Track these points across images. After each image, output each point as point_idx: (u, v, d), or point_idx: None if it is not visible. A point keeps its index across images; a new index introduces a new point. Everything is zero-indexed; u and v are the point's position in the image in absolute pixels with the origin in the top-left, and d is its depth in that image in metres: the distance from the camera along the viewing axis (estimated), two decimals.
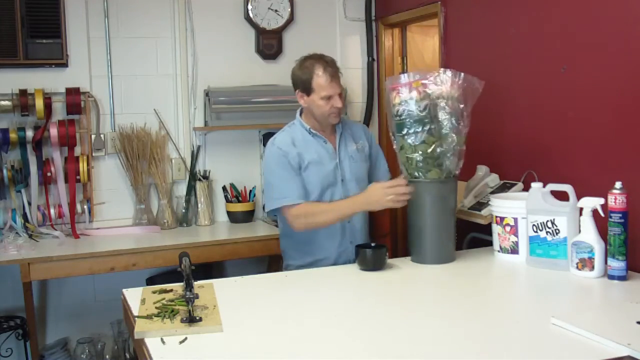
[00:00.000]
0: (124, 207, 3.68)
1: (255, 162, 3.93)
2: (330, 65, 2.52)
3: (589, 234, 2.19)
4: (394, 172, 2.69)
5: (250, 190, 3.85)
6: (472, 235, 2.92)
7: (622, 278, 2.13)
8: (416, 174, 2.43)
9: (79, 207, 3.52)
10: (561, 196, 2.33)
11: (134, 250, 3.21)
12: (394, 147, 2.51)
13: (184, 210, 3.74)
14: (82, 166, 3.47)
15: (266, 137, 3.92)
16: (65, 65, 3.50)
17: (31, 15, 3.38)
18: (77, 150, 3.55)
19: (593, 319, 1.78)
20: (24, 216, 3.41)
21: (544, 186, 2.36)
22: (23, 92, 3.34)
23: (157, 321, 1.83)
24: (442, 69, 2.44)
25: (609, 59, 2.39)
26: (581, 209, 2.21)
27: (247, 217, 3.80)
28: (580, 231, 2.22)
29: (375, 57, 4.07)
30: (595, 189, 2.23)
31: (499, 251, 2.51)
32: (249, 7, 3.81)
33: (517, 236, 2.44)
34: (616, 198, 2.12)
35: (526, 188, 2.56)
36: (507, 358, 1.58)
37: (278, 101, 3.65)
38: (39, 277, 3.13)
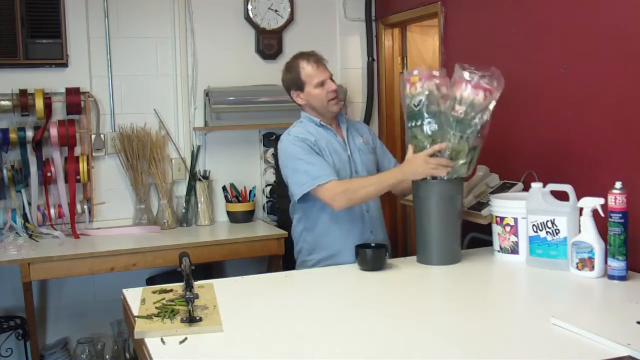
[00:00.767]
0: (124, 207, 3.68)
1: (255, 162, 3.93)
2: (313, 55, 2.59)
3: (589, 234, 2.18)
4: None
5: (250, 190, 3.85)
6: (472, 235, 2.92)
7: (622, 278, 2.13)
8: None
9: (79, 207, 3.52)
10: (561, 196, 2.33)
11: (134, 250, 3.22)
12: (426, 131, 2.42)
13: (184, 210, 3.74)
14: (82, 166, 3.47)
15: (266, 137, 3.92)
16: (65, 65, 3.50)
17: (31, 15, 3.38)
18: (77, 150, 3.55)
19: (593, 319, 1.78)
20: (24, 216, 3.41)
21: (544, 186, 2.36)
22: (23, 92, 3.34)
23: (157, 321, 1.83)
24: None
25: (609, 59, 2.39)
26: (581, 209, 2.21)
27: (247, 217, 3.80)
28: (580, 231, 2.22)
29: (375, 57, 4.07)
30: (595, 189, 2.23)
31: (499, 251, 2.51)
32: (249, 7, 3.81)
33: (517, 236, 2.44)
34: (616, 198, 2.11)
35: (526, 188, 2.56)
36: (507, 358, 1.58)
37: (278, 101, 3.63)
38: (39, 277, 3.13)
